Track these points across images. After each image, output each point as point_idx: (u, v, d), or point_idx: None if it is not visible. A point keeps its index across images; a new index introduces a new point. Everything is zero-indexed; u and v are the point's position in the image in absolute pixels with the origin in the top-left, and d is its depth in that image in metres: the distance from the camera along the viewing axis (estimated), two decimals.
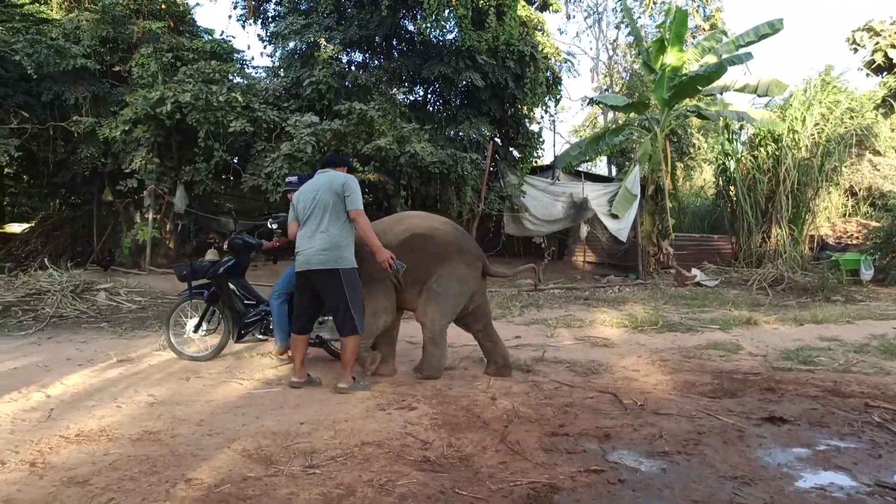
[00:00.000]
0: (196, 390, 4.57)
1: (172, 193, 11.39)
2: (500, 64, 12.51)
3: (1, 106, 10.79)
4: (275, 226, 5.68)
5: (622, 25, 27.32)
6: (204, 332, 5.65)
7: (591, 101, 19.36)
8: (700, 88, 13.46)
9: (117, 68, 12.06)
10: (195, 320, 5.61)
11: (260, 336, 5.57)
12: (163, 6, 12.44)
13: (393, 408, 4.12)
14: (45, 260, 9.95)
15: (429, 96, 14.96)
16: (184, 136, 11.20)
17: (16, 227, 16.07)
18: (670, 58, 13.50)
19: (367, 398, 4.34)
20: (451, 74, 12.44)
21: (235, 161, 11.72)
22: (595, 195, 13.76)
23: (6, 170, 14.62)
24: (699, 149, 21.14)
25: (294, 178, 5.56)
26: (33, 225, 14.88)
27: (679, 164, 18.26)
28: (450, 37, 13.10)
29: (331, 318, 5.34)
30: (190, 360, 5.52)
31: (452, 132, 13.43)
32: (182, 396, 4.39)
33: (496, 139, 13.27)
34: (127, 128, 10.73)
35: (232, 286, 5.53)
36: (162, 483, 2.90)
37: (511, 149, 14.46)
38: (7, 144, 10.28)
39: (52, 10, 12.07)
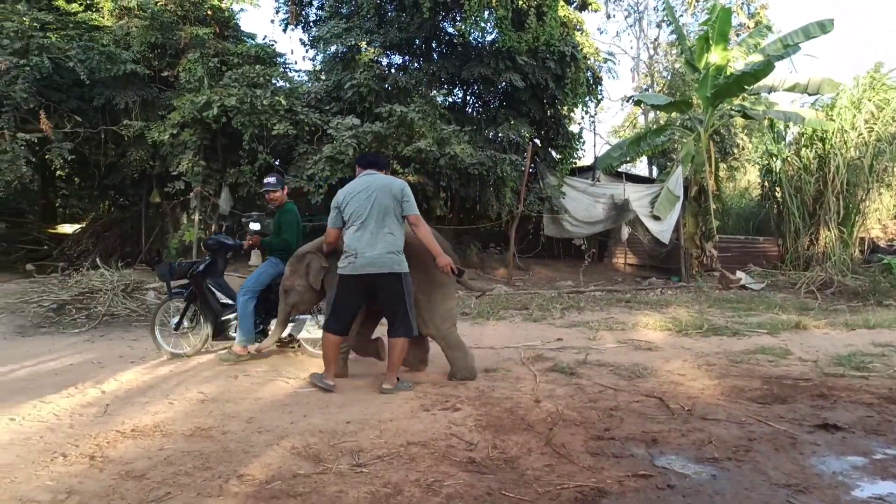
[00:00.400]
0: (244, 388, 4.67)
1: (217, 195, 11.63)
2: (541, 65, 12.45)
3: (56, 111, 11.15)
4: (257, 226, 5.81)
5: (664, 24, 27.03)
6: (185, 330, 5.83)
7: (634, 101, 19.10)
8: (746, 87, 13.17)
9: (165, 73, 12.36)
10: (177, 318, 5.80)
11: (233, 334, 5.69)
12: (209, 12, 12.70)
13: (437, 408, 4.15)
14: (97, 260, 10.26)
15: (468, 98, 14.97)
16: (229, 139, 11.43)
17: (68, 228, 16.59)
18: (714, 56, 13.28)
19: (412, 399, 4.37)
20: (490, 76, 12.43)
21: (278, 163, 11.89)
22: (636, 196, 13.58)
23: (58, 172, 15.12)
24: (743, 149, 20.73)
25: (272, 179, 5.71)
26: (84, 226, 15.34)
27: (723, 165, 17.92)
28: (489, 38, 13.11)
29: (306, 317, 5.59)
30: (173, 356, 5.69)
31: (492, 134, 13.43)
32: (231, 394, 4.49)
33: (536, 140, 13.22)
34: (174, 131, 10.98)
35: (210, 286, 5.71)
36: (215, 478, 2.98)
37: (551, 150, 14.38)
38: (61, 148, 10.63)
39: (103, 18, 12.42)
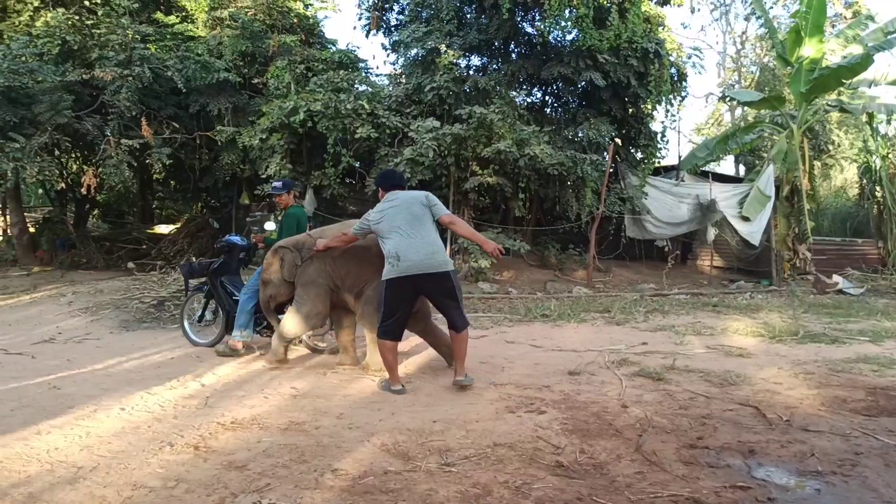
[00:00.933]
0: (333, 384, 4.81)
1: (302, 197, 12.00)
2: (623, 62, 12.18)
3: (155, 118, 11.84)
4: (272, 226, 6.21)
5: (752, 17, 25.90)
6: (207, 322, 6.36)
7: (724, 98, 18.31)
8: (844, 81, 12.46)
9: (255, 80, 12.89)
10: (200, 312, 6.36)
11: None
12: (295, 20, 13.16)
13: (522, 410, 4.14)
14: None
15: (547, 98, 14.85)
16: (313, 142, 11.79)
17: (164, 228, 17.55)
18: (808, 49, 12.61)
19: (496, 400, 4.38)
20: (570, 75, 12.27)
21: (359, 165, 12.16)
22: (724, 196, 13.08)
23: (156, 176, 16.04)
24: (839, 146, 19.60)
25: (279, 184, 6.17)
26: (179, 226, 16.21)
27: (817, 163, 17.02)
28: (569, 37, 12.94)
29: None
30: (196, 345, 6.29)
31: (571, 133, 13.26)
32: (321, 390, 4.64)
33: (617, 140, 12.97)
34: (264, 136, 11.44)
35: (223, 283, 6.16)
36: (311, 472, 3.08)
37: (632, 149, 14.06)
38: (160, 153, 11.29)
39: (197, 29, 13.10)
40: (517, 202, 11.65)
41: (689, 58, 14.59)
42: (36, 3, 12.84)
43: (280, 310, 5.64)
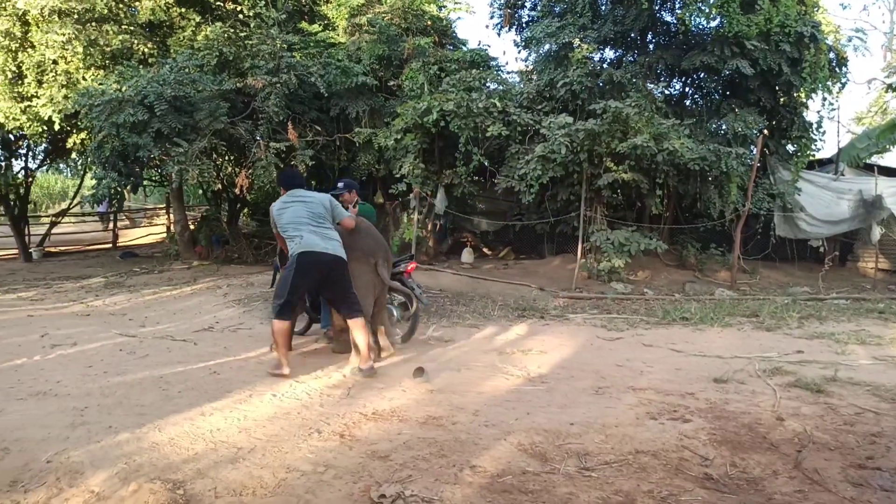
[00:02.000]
0: (467, 381, 4.84)
1: (434, 196, 12.24)
2: (773, 48, 11.29)
3: (300, 122, 12.54)
4: None
5: None
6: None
7: (893, 87, 16.37)
8: None
9: (391, 83, 13.31)
10: None
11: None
12: (429, 23, 13.42)
13: (665, 417, 3.95)
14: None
15: (687, 89, 14.13)
16: (445, 141, 11.99)
17: None
18: None
19: (636, 405, 4.21)
20: (714, 64, 11.56)
21: (487, 163, 12.19)
22: (891, 192, 11.80)
23: None
24: None
25: (341, 185, 6.43)
26: None
27: None
28: (713, 24, 12.23)
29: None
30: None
31: (714, 126, 12.52)
32: (456, 386, 4.68)
33: (765, 131, 12.07)
34: (398, 136, 11.77)
35: None
36: (450, 466, 3.12)
37: (783, 141, 13.04)
38: (304, 155, 11.94)
39: (338, 35, 13.72)
40: (654, 199, 11.17)
41: (850, 41, 13.29)
42: (197, 19, 14.04)
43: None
